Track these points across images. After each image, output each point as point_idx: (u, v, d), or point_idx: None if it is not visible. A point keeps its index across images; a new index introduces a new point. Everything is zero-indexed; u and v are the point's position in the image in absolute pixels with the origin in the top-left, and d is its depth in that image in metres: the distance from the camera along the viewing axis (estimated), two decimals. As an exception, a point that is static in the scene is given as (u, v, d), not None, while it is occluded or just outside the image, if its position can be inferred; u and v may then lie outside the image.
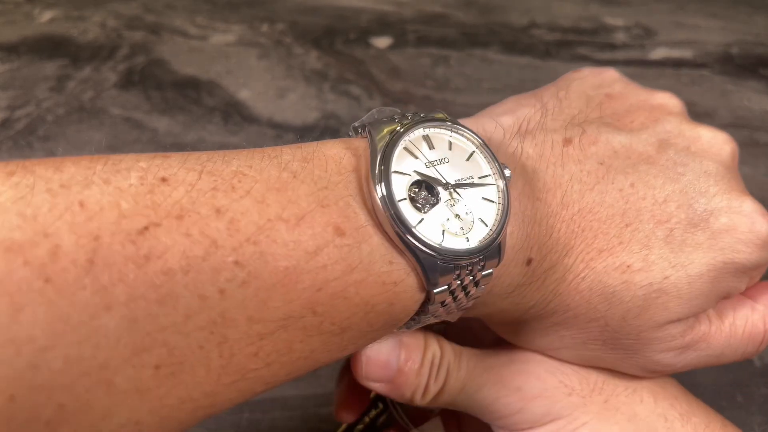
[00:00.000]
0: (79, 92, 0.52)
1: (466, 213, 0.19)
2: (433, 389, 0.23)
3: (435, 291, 0.18)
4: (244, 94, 0.52)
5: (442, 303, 0.19)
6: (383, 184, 0.17)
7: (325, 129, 0.49)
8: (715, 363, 0.22)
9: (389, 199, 0.17)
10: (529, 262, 0.20)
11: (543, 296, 0.21)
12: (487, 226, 0.19)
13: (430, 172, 0.19)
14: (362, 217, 0.18)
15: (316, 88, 0.53)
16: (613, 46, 0.60)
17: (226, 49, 0.58)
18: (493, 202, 0.19)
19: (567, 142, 0.22)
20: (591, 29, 0.62)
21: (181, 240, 0.15)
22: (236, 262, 0.16)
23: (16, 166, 0.15)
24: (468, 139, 0.19)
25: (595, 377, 0.23)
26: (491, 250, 0.19)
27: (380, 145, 0.18)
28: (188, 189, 0.16)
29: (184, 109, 0.51)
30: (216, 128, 0.49)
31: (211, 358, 0.16)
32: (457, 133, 0.20)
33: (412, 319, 0.20)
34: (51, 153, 0.47)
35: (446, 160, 0.19)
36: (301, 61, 0.56)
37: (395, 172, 0.18)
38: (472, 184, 0.19)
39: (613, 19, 0.63)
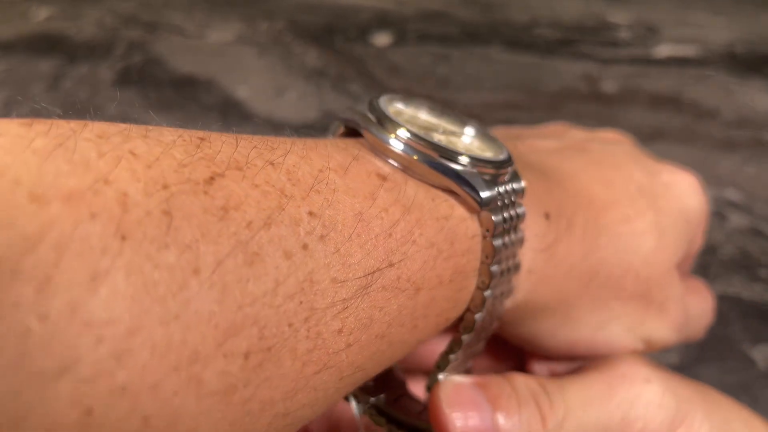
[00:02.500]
0: (75, 91, 0.52)
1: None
2: (557, 416, 0.19)
3: (486, 207, 0.17)
4: (242, 93, 0.52)
5: (503, 239, 0.18)
6: (395, 126, 0.17)
7: (325, 127, 0.49)
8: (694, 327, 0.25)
9: (381, 113, 0.17)
10: (547, 216, 0.20)
11: (576, 255, 0.20)
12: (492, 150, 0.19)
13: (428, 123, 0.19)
14: (390, 167, 0.17)
15: (316, 86, 0.53)
16: (615, 44, 0.59)
17: (224, 47, 0.57)
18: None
19: (514, 147, 0.23)
20: (594, 27, 0.61)
21: (251, 190, 0.13)
22: (310, 213, 0.14)
23: (32, 120, 0.12)
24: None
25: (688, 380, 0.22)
26: (510, 159, 0.19)
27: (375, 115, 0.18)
28: (232, 147, 0.14)
29: (182, 108, 0.50)
30: (214, 127, 0.48)
31: (298, 339, 0.13)
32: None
33: (481, 289, 0.18)
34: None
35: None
36: (301, 60, 0.56)
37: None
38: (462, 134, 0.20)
39: (616, 16, 0.63)
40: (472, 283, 0.18)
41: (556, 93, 0.54)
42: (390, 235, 0.15)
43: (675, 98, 0.53)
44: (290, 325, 0.13)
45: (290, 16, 0.62)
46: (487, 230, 0.17)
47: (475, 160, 0.17)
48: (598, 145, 0.24)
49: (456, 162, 0.17)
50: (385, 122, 0.18)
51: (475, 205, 0.17)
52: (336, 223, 0.14)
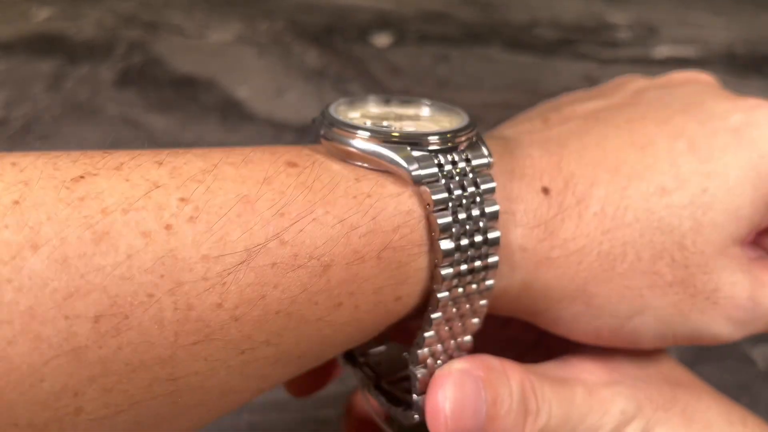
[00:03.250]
0: (75, 91, 0.52)
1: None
2: (539, 425, 0.19)
3: (423, 182, 0.17)
4: (242, 93, 0.52)
5: (455, 214, 0.17)
6: (332, 123, 0.18)
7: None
8: None
9: (325, 113, 0.18)
10: (545, 191, 0.19)
11: (589, 235, 0.19)
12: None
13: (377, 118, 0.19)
14: (310, 156, 0.17)
15: (316, 86, 0.53)
16: (615, 45, 0.59)
17: (224, 48, 0.57)
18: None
19: (545, 120, 0.22)
20: (593, 27, 0.62)
21: (119, 184, 0.15)
22: (181, 199, 0.15)
23: None
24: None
25: (668, 387, 0.21)
26: (465, 130, 0.18)
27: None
28: (130, 155, 0.16)
29: (182, 108, 0.50)
30: (214, 127, 0.49)
31: (163, 309, 0.14)
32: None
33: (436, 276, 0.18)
34: (47, 152, 0.47)
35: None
36: (300, 60, 0.56)
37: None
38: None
39: (616, 17, 0.63)
40: (417, 259, 0.18)
41: (555, 93, 0.54)
42: (282, 214, 0.16)
43: (675, 98, 0.53)
44: (150, 295, 0.14)
45: (290, 17, 0.62)
46: (428, 205, 0.17)
47: (406, 136, 0.18)
48: (654, 94, 0.22)
49: (387, 141, 0.17)
50: (327, 122, 0.18)
51: (410, 180, 0.17)
52: (211, 206, 0.15)
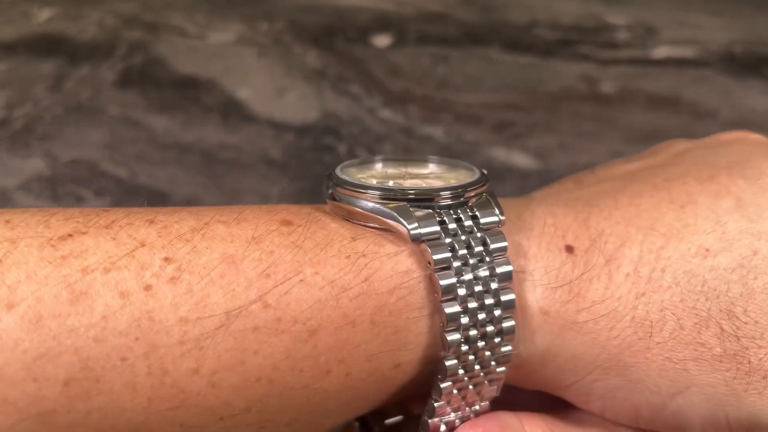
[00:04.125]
0: (77, 91, 0.52)
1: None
2: None
3: (423, 240, 0.16)
4: (243, 93, 0.52)
5: (460, 275, 0.16)
6: (340, 184, 0.18)
7: (325, 128, 0.49)
8: None
9: (332, 174, 0.18)
10: (569, 249, 0.17)
11: (621, 298, 0.17)
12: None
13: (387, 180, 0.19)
14: (317, 213, 0.17)
15: (316, 87, 0.53)
16: (614, 45, 0.59)
17: (224, 48, 0.57)
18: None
19: (578, 182, 0.20)
20: (592, 28, 0.62)
21: (105, 242, 0.15)
22: (165, 258, 0.15)
23: None
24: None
25: None
26: (473, 185, 0.17)
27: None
28: (125, 213, 0.16)
29: (183, 109, 0.50)
30: (215, 127, 0.49)
31: (136, 374, 0.14)
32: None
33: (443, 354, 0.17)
34: (49, 153, 0.47)
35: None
36: (301, 60, 0.56)
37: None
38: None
39: (615, 17, 0.63)
40: (417, 323, 0.17)
41: (555, 93, 0.54)
42: (268, 275, 0.15)
43: (674, 99, 0.54)
44: (123, 359, 0.14)
45: (290, 17, 0.62)
46: (429, 263, 0.16)
47: (407, 193, 0.17)
48: (698, 153, 0.20)
49: (388, 198, 0.17)
50: (333, 182, 0.18)
51: (409, 238, 0.16)
52: (195, 266, 0.15)
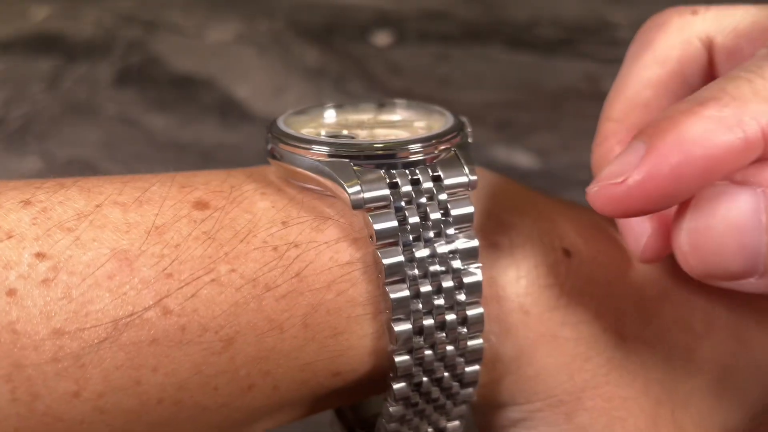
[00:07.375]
0: (74, 90, 0.52)
1: None
2: None
3: (365, 207, 0.13)
4: (241, 92, 0.52)
5: (411, 252, 0.13)
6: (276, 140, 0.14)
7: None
8: None
9: (272, 126, 0.14)
10: (567, 253, 0.15)
11: (642, 319, 0.15)
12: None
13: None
14: (245, 186, 0.14)
15: (315, 86, 0.53)
16: (616, 44, 0.59)
17: (223, 47, 0.57)
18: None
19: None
20: (594, 26, 0.61)
21: None
22: (39, 254, 0.12)
23: None
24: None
25: None
26: (440, 137, 0.13)
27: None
28: (6, 187, 0.13)
29: (181, 107, 0.50)
30: (213, 126, 0.48)
31: (0, 400, 0.12)
32: None
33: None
34: (47, 152, 0.47)
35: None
36: (300, 59, 0.56)
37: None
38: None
39: (617, 16, 0.63)
40: (360, 324, 0.14)
41: (556, 92, 0.53)
42: (170, 275, 0.12)
43: (676, 98, 0.53)
44: None
45: (290, 16, 0.61)
46: (371, 238, 0.13)
47: (354, 147, 0.13)
48: None
49: (333, 156, 0.13)
50: (274, 136, 0.15)
51: (349, 205, 0.13)
52: (76, 264, 0.12)
